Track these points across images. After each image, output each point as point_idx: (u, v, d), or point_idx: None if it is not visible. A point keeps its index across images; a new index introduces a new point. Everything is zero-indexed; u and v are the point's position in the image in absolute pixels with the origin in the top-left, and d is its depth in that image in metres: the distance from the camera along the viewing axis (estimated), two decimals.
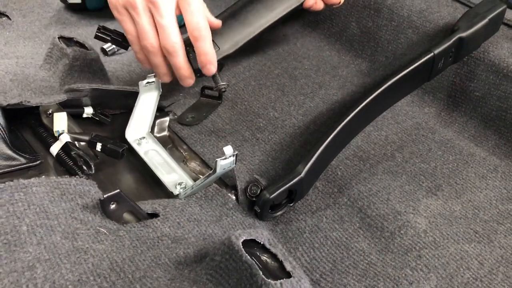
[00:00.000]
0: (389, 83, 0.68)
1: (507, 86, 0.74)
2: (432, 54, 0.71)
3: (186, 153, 0.72)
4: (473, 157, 0.72)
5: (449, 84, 0.80)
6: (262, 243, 0.48)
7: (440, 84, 0.81)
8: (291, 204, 0.63)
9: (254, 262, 0.45)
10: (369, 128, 0.75)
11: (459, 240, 0.60)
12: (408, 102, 0.81)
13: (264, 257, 0.48)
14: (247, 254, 0.45)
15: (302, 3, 0.82)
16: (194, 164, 0.70)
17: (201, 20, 0.64)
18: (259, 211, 0.60)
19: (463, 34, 0.73)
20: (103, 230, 0.51)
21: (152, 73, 0.72)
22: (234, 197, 0.63)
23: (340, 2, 0.87)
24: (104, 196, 0.52)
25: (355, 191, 0.66)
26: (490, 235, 0.61)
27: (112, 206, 0.53)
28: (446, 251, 0.59)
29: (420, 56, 0.71)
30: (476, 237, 0.61)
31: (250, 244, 0.48)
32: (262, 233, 0.49)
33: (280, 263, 0.47)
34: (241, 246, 0.46)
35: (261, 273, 0.44)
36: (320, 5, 0.85)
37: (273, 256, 0.48)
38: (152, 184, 0.66)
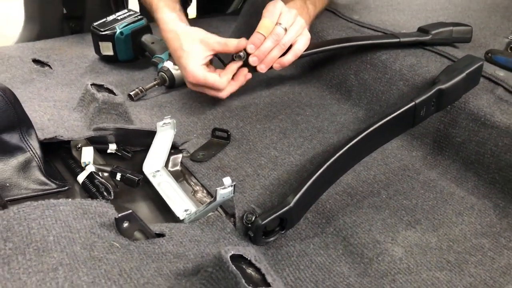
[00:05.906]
0: (373, 127, 0.77)
1: (484, 133, 0.82)
2: (413, 103, 0.80)
3: (195, 185, 0.82)
4: (453, 196, 0.79)
5: (435, 130, 0.88)
6: (249, 258, 0.57)
7: (426, 130, 0.89)
8: (283, 232, 0.71)
9: (238, 272, 0.53)
10: (359, 167, 0.83)
11: (431, 267, 0.67)
12: (398, 146, 0.90)
13: (249, 270, 0.56)
14: (233, 265, 0.54)
15: None
16: (201, 195, 0.80)
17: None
18: (252, 235, 0.69)
19: (443, 86, 0.82)
20: (116, 244, 0.60)
21: (169, 115, 0.83)
22: (232, 223, 0.72)
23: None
24: (119, 215, 0.61)
25: (341, 222, 0.73)
26: (461, 265, 0.67)
27: (125, 224, 0.62)
28: (419, 277, 0.65)
29: (403, 105, 0.80)
30: (448, 266, 0.67)
31: (239, 259, 0.56)
32: (249, 250, 0.58)
33: (263, 276, 0.55)
34: (229, 259, 0.54)
35: (244, 281, 0.52)
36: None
37: (257, 270, 0.56)
38: (163, 211, 0.75)
